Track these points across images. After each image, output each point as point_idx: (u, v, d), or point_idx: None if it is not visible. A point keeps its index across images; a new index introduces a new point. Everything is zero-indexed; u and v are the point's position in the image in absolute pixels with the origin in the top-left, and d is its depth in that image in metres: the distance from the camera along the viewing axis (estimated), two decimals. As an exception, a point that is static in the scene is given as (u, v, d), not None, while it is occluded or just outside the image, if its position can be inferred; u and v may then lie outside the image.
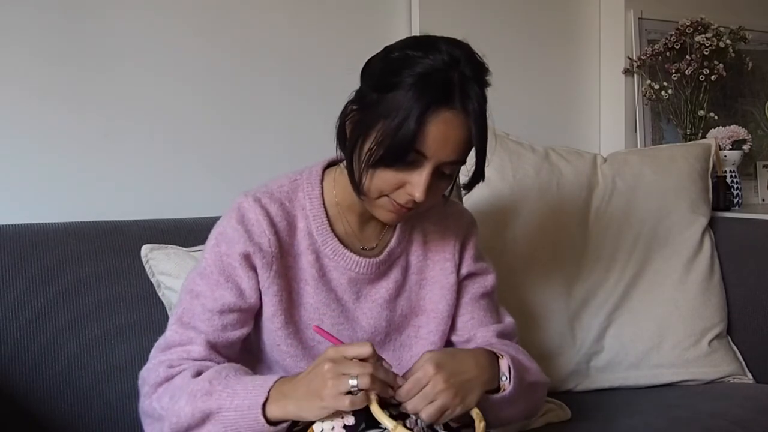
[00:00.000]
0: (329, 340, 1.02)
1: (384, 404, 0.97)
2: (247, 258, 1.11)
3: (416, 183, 1.03)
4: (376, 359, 0.96)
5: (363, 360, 0.95)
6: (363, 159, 1.04)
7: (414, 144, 1.00)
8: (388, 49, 1.07)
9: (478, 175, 1.11)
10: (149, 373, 1.10)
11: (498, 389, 1.10)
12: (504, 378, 1.10)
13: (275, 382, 1.00)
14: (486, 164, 1.08)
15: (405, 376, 1.00)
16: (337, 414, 0.95)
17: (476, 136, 1.03)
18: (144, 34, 1.67)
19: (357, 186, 1.07)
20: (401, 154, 1.01)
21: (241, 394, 1.00)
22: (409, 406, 0.99)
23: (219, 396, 1.00)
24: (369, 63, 1.09)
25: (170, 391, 1.05)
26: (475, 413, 1.00)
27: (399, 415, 0.98)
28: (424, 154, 1.01)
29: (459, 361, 1.05)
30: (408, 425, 0.98)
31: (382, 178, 1.04)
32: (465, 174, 1.12)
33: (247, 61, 1.79)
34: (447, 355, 1.05)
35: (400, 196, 1.06)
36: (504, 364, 1.11)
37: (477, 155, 1.07)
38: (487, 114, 1.05)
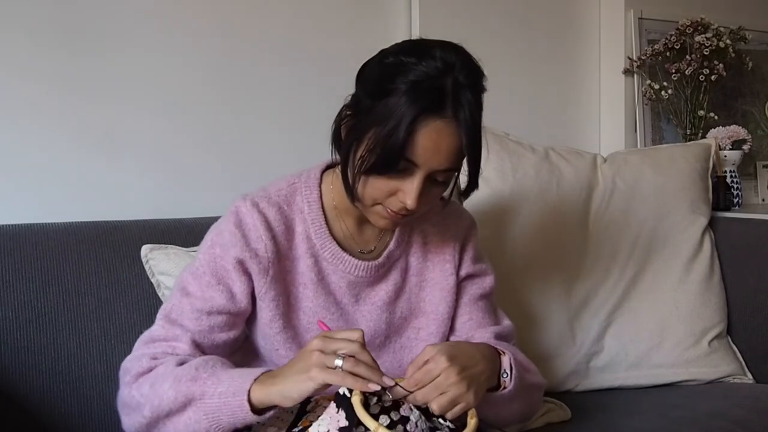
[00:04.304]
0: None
1: (385, 409, 0.97)
2: (241, 263, 1.11)
3: (408, 191, 1.03)
4: (363, 345, 0.96)
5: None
6: (356, 166, 1.04)
7: (404, 152, 0.99)
8: (382, 54, 1.06)
9: (472, 185, 1.10)
10: (132, 364, 1.10)
11: (497, 387, 1.10)
12: (505, 375, 1.10)
13: (262, 373, 0.99)
14: (480, 173, 1.08)
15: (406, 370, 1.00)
16: (330, 416, 0.95)
17: (467, 145, 1.02)
18: (143, 36, 1.66)
19: (351, 192, 1.07)
20: (391, 162, 1.00)
21: (226, 381, 0.99)
22: (419, 396, 0.98)
23: (204, 382, 0.99)
24: (364, 67, 1.08)
25: (151, 379, 1.05)
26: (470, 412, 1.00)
27: (401, 419, 0.97)
28: (414, 163, 1.01)
29: (468, 353, 1.04)
30: (408, 429, 0.97)
31: (374, 186, 1.04)
32: (466, 174, 1.12)
33: (247, 62, 1.79)
34: (455, 348, 1.04)
35: (393, 204, 1.05)
36: (506, 361, 1.11)
37: (469, 165, 1.06)
38: (481, 121, 1.04)
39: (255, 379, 0.97)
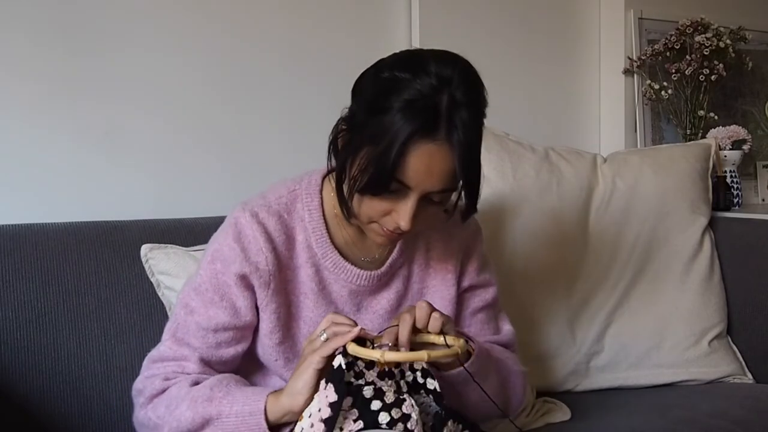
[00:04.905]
0: None
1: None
2: (243, 278, 1.10)
3: (402, 212, 1.01)
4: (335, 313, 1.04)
5: None
6: (350, 185, 1.02)
7: (395, 174, 0.97)
8: (378, 68, 1.03)
9: (471, 209, 1.08)
10: (144, 385, 1.11)
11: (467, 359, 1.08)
12: (467, 342, 1.09)
13: (275, 390, 1.03)
14: (479, 197, 1.05)
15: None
16: (319, 396, 0.97)
17: (461, 169, 0.99)
18: (143, 36, 1.66)
19: (346, 209, 1.06)
20: (383, 183, 0.98)
21: (241, 400, 1.02)
22: (407, 316, 1.00)
23: (219, 402, 1.02)
24: (360, 80, 1.06)
25: (166, 401, 1.07)
26: (450, 338, 1.01)
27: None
28: (406, 185, 0.99)
29: None
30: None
31: (369, 205, 1.03)
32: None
33: (247, 62, 1.79)
34: None
35: (389, 223, 1.04)
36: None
37: (464, 188, 1.03)
38: (479, 140, 1.02)
39: (267, 396, 1.01)
